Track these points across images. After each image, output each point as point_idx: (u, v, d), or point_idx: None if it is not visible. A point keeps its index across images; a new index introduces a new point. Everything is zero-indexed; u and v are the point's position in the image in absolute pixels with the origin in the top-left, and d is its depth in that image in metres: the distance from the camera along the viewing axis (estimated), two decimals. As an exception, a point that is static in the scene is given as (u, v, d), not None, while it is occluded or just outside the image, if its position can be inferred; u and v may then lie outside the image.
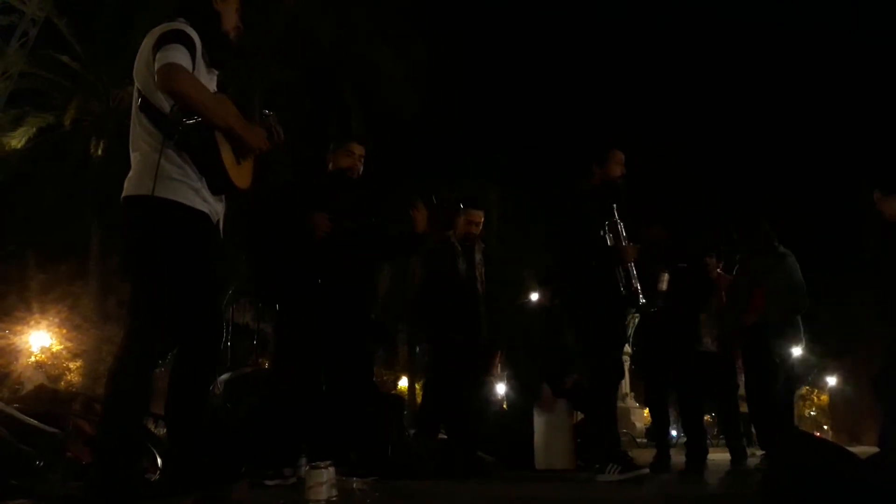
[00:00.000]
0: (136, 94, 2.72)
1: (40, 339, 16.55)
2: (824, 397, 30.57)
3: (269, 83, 16.08)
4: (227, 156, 2.66)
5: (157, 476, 3.24)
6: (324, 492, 2.77)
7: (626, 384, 25.78)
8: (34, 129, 16.92)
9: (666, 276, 4.36)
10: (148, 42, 2.64)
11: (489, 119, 27.50)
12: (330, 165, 4.35)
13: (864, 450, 5.10)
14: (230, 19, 2.84)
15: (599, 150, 4.41)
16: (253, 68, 14.81)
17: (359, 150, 4.34)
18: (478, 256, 5.14)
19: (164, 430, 3.75)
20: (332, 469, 2.84)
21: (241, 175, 2.76)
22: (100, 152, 17.06)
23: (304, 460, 3.74)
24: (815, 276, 5.49)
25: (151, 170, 2.54)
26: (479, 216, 5.21)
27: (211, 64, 2.77)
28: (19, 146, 16.81)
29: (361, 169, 4.33)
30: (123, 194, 2.66)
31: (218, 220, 2.80)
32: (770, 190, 30.25)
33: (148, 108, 2.63)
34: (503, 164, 23.38)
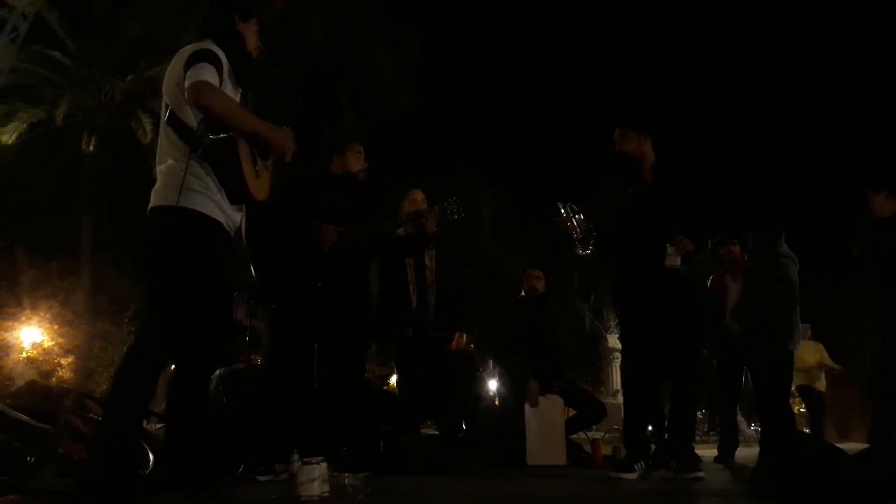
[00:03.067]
0: (164, 109, 2.84)
1: (31, 335, 16.49)
2: (814, 394, 30.73)
3: (261, 80, 16.04)
4: (247, 169, 2.78)
5: (148, 472, 3.24)
6: (316, 488, 2.78)
7: (616, 380, 25.93)
8: (25, 125, 16.84)
9: (671, 249, 4.04)
10: (178, 61, 2.77)
11: (482, 117, 27.55)
12: (334, 167, 4.39)
13: (853, 446, 5.12)
14: (252, 40, 2.98)
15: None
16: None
17: (360, 149, 4.44)
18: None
19: (157, 425, 3.77)
20: (324, 465, 2.84)
21: (259, 187, 2.88)
22: (91, 148, 17.00)
23: (296, 456, 3.76)
24: (803, 274, 5.48)
25: (177, 182, 2.67)
26: (421, 195, 5.14)
27: (238, 83, 2.90)
28: (10, 142, 16.74)
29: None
30: (150, 205, 2.77)
31: (238, 229, 2.93)
32: (758, 187, 30.37)
33: (175, 122, 2.76)
34: (496, 162, 23.42)
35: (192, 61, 2.68)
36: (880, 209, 4.71)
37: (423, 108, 18.74)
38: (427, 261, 5.05)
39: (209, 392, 4.16)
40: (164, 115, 2.81)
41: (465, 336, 5.13)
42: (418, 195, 5.11)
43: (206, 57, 2.70)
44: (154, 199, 2.76)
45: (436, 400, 4.99)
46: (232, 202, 2.80)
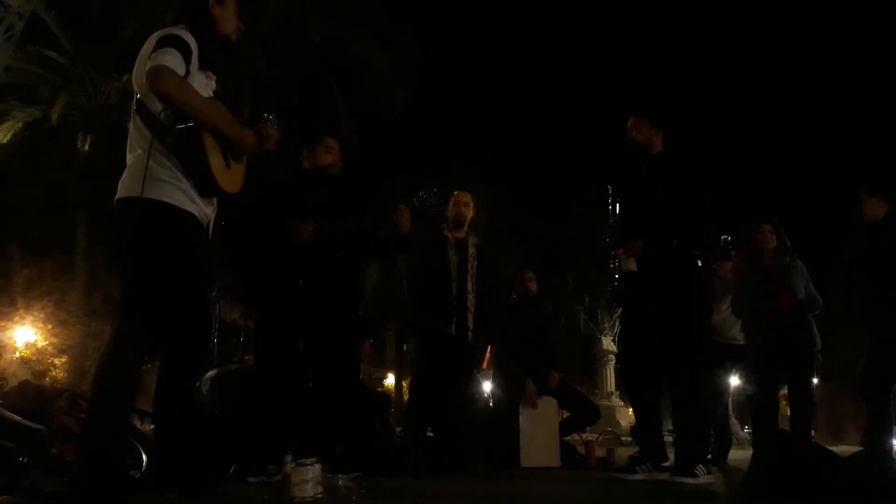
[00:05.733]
0: (134, 98, 2.77)
1: (25, 335, 16.43)
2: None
3: (256, 77, 16.02)
4: (215, 160, 2.71)
5: (141, 472, 3.23)
6: (309, 489, 2.78)
7: (611, 382, 25.97)
8: (20, 124, 16.79)
9: (622, 253, 4.08)
10: (147, 48, 2.71)
11: (476, 115, 27.57)
12: (306, 163, 4.38)
13: (845, 449, 5.14)
14: (230, 22, 2.91)
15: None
16: (240, 62, 14.76)
17: (336, 144, 4.40)
18: (471, 250, 5.10)
19: (150, 426, 3.76)
20: (317, 466, 2.84)
21: (230, 179, 2.81)
22: (87, 147, 16.97)
23: (289, 457, 3.75)
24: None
25: (141, 171, 2.61)
26: (465, 197, 5.19)
27: (206, 66, 2.82)
28: (5, 141, 16.68)
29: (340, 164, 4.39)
30: (116, 196, 2.71)
31: (208, 223, 2.84)
32: (749, 189, 30.42)
33: (143, 110, 2.70)
34: (490, 161, 23.43)
35: (157, 46, 2.63)
36: (873, 213, 4.71)
37: (419, 106, 18.76)
38: (469, 266, 5.04)
39: (203, 392, 4.19)
40: (133, 104, 2.75)
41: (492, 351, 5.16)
42: (462, 197, 5.15)
43: (173, 42, 2.64)
44: (120, 191, 2.70)
45: (441, 401, 4.97)
46: (200, 194, 2.72)
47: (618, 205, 4.28)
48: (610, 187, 4.51)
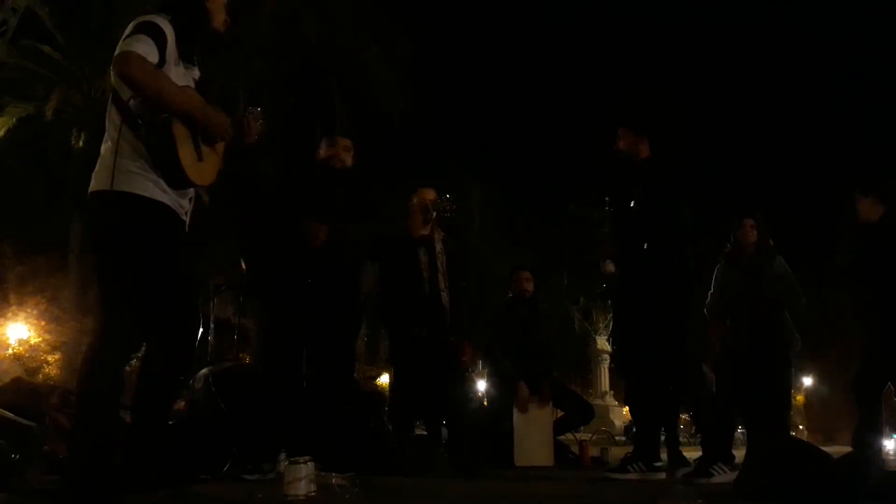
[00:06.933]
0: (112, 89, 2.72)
1: (18, 332, 16.36)
2: (800, 397, 30.92)
3: (253, 79, 16.00)
4: (186, 151, 2.64)
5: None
6: (302, 487, 2.78)
7: (605, 382, 26.01)
8: (14, 120, 16.71)
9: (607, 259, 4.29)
10: (124, 35, 2.64)
11: (473, 116, 27.64)
12: (318, 160, 4.43)
13: (838, 449, 5.15)
14: (219, 15, 2.85)
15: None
16: (237, 63, 14.73)
17: (343, 142, 4.42)
18: (438, 247, 5.05)
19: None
20: (311, 464, 2.84)
21: (202, 172, 2.73)
22: (81, 144, 16.88)
23: (283, 455, 3.75)
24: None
25: (110, 164, 2.56)
26: (431, 194, 5.12)
27: (187, 59, 2.76)
28: (-1, 136, 16.62)
29: (349, 161, 4.40)
30: (89, 189, 2.65)
31: (186, 213, 2.78)
32: (744, 189, 30.50)
33: (118, 101, 2.64)
34: (486, 162, 23.48)
35: (130, 33, 2.57)
36: (868, 214, 4.71)
37: (415, 107, 18.78)
38: (438, 264, 5.02)
39: (198, 390, 4.18)
40: (110, 95, 2.70)
41: (470, 346, 5.17)
42: (428, 194, 5.10)
43: (146, 29, 2.57)
44: (92, 184, 2.64)
45: (429, 401, 4.97)
46: (169, 186, 2.64)
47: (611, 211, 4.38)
48: (606, 198, 4.48)
